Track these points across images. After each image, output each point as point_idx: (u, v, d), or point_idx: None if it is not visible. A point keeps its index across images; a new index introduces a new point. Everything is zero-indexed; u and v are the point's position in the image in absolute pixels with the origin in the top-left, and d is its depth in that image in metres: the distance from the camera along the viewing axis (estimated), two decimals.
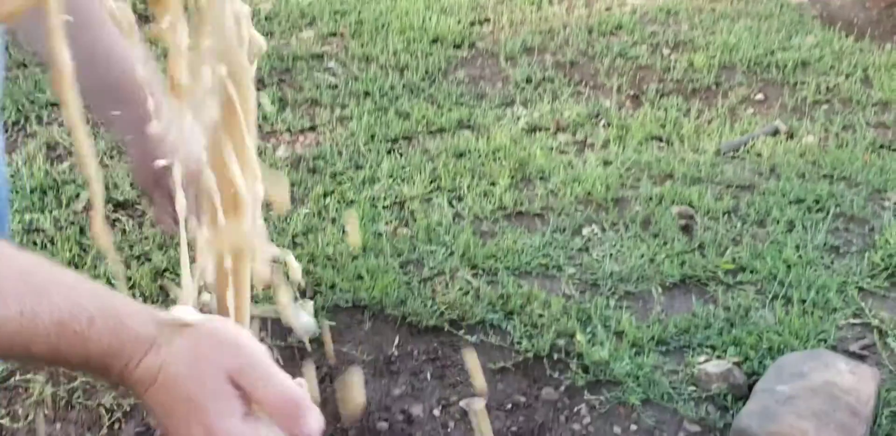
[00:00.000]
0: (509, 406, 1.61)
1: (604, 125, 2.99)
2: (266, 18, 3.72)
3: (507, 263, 2.05)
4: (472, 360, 1.66)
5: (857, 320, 1.85)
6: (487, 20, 3.71)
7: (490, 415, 1.59)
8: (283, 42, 3.57)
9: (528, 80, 3.38)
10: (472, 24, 3.72)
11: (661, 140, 2.82)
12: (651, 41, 3.50)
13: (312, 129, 2.93)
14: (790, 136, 2.78)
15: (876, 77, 3.14)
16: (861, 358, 1.72)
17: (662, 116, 2.99)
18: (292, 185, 2.45)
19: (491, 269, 2.04)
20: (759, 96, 3.19)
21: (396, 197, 2.39)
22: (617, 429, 1.56)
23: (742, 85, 3.20)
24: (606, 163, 2.63)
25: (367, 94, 3.19)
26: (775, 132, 2.79)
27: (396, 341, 1.78)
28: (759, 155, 2.63)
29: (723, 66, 3.33)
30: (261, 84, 3.32)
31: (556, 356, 1.72)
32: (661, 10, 3.68)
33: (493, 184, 2.48)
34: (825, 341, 1.76)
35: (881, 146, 2.69)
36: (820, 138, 2.77)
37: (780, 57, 3.31)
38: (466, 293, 1.92)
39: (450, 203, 2.38)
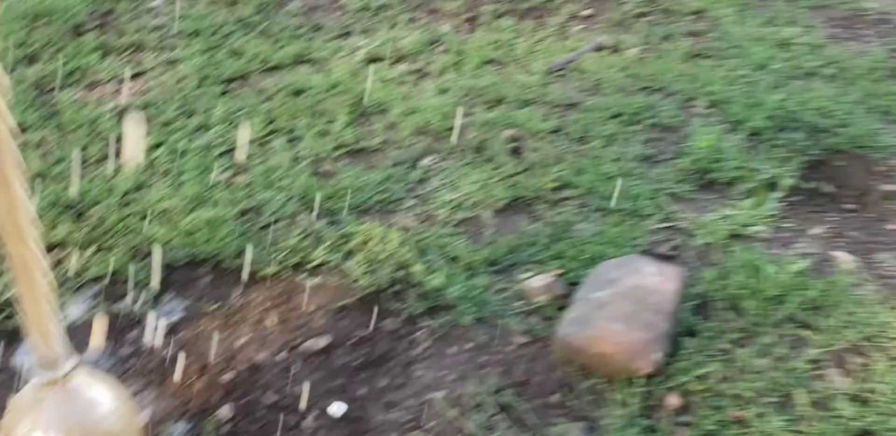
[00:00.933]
0: (352, 342, 1.70)
1: (441, 52, 3.01)
2: None
3: (347, 201, 2.09)
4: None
5: (668, 224, 2.03)
6: None
7: (334, 352, 1.67)
8: None
9: (366, 8, 3.31)
10: None
11: (495, 63, 2.87)
12: None
13: (139, 75, 2.79)
14: (614, 50, 2.90)
15: None
16: (669, 259, 1.91)
17: (497, 38, 3.03)
18: (118, 139, 2.36)
19: (331, 209, 2.08)
20: (588, 12, 3.28)
21: (232, 143, 2.35)
22: (453, 349, 1.68)
23: (571, 1, 3.28)
24: (443, 91, 2.67)
25: (196, 33, 3.05)
26: (600, 48, 2.90)
27: (239, 292, 1.82)
28: (583, 72, 2.73)
29: None
30: (79, 30, 3.10)
31: (394, 288, 1.81)
32: None
33: (331, 121, 2.48)
34: (638, 246, 1.93)
35: (695, 55, 2.85)
36: (641, 51, 2.90)
37: None
38: (306, 237, 1.95)
39: (288, 145, 2.37)
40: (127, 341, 1.70)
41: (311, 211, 2.06)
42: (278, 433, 1.51)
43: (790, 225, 2.03)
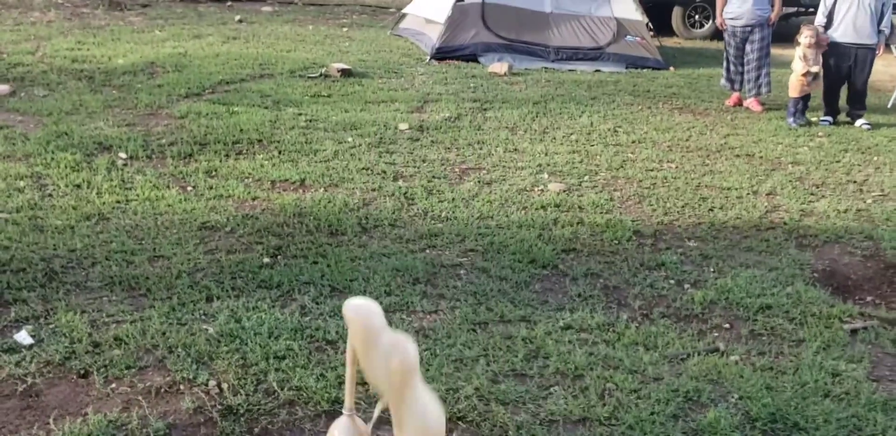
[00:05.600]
0: None
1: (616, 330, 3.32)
2: None
3: None
4: None
5: None
6: (575, 249, 4.29)
7: None
8: None
9: (581, 297, 3.77)
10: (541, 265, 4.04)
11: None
12: (679, 278, 3.77)
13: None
14: (725, 354, 3.12)
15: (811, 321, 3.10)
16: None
17: (653, 330, 3.30)
18: None
19: None
20: (726, 325, 3.24)
21: None
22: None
23: (717, 316, 3.35)
24: None
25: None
26: (715, 350, 3.15)
27: None
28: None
29: (711, 301, 3.46)
30: None
31: None
32: (701, 254, 3.93)
33: None
34: None
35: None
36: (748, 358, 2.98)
37: (754, 300, 3.44)
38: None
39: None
40: None
41: None
42: None
43: None
